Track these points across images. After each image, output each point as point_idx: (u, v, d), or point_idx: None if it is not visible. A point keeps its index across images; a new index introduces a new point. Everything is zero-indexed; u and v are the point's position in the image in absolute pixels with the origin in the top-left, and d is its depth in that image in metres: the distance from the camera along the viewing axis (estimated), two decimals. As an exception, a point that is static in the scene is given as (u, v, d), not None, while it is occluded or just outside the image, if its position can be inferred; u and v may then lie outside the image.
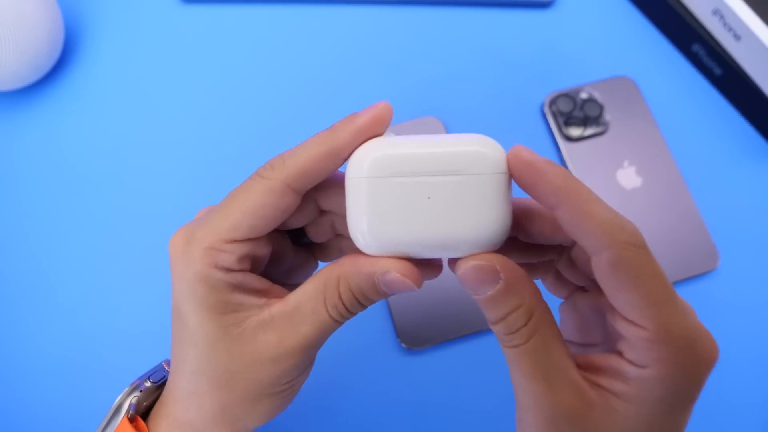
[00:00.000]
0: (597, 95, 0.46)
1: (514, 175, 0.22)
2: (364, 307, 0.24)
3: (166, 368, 0.29)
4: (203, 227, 0.24)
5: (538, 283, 0.26)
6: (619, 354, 0.22)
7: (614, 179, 0.44)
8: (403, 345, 0.40)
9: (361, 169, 0.22)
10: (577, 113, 0.46)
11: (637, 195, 0.44)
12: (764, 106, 0.45)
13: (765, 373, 0.41)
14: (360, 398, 0.40)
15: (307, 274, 0.30)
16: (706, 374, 0.21)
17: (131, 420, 0.26)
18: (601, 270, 0.21)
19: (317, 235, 0.28)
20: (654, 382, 0.21)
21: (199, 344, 0.24)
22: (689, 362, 0.21)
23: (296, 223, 0.26)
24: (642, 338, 0.21)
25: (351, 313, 0.24)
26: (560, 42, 0.49)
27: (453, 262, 0.23)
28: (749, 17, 0.43)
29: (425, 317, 0.40)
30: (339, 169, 0.25)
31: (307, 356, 0.24)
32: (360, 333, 0.40)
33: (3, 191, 0.44)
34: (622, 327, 0.22)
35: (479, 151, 0.22)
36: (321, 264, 0.30)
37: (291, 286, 0.29)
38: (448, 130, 0.46)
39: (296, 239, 0.29)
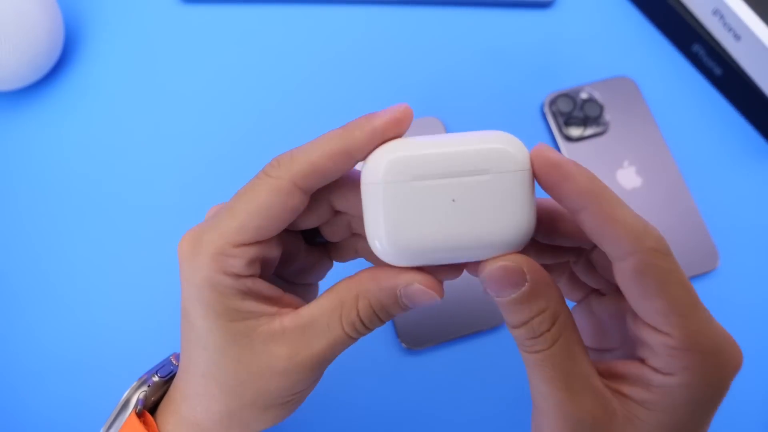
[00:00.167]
0: (597, 95, 0.46)
1: (537, 175, 0.21)
2: (382, 322, 0.24)
3: (174, 362, 0.28)
4: (210, 230, 0.23)
5: None
6: (642, 361, 0.22)
7: (614, 179, 0.44)
8: (403, 345, 0.40)
9: (377, 174, 0.21)
10: (577, 113, 0.46)
11: (637, 195, 0.44)
12: (764, 106, 0.45)
13: (765, 373, 0.41)
14: (360, 398, 0.40)
15: (321, 274, 0.29)
16: (731, 380, 0.21)
17: (139, 415, 0.26)
18: (624, 276, 0.21)
19: (332, 234, 0.26)
20: (679, 390, 0.20)
21: (208, 349, 0.23)
22: (715, 369, 0.21)
23: (309, 224, 0.25)
24: (668, 346, 0.20)
25: (368, 330, 0.24)
26: (560, 42, 0.49)
27: (473, 264, 0.23)
28: (749, 17, 0.43)
29: (425, 317, 0.40)
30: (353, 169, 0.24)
31: (318, 371, 0.24)
32: (360, 333, 0.40)
33: (3, 191, 0.44)
34: (645, 334, 0.21)
35: (503, 149, 0.21)
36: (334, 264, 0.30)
37: (304, 286, 0.29)
38: (448, 130, 0.46)
39: (310, 239, 0.28)
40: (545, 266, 0.26)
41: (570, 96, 0.46)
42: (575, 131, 0.45)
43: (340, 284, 0.24)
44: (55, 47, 0.44)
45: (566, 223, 0.24)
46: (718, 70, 0.47)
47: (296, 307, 0.24)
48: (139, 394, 0.26)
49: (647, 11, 0.50)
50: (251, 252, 0.23)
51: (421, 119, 0.45)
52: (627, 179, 0.44)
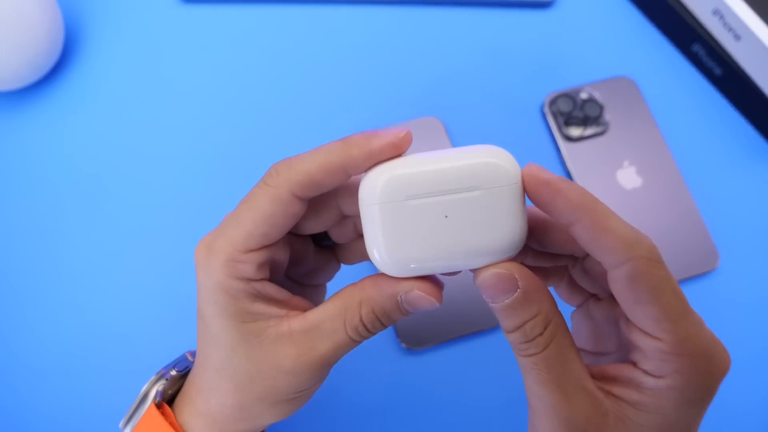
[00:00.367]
0: (597, 95, 0.46)
1: (530, 194, 0.22)
2: (385, 326, 0.25)
3: (190, 359, 0.30)
4: (220, 237, 0.24)
5: (551, 291, 0.26)
6: (634, 364, 0.23)
7: (614, 179, 0.44)
8: (404, 345, 0.40)
9: (374, 195, 0.22)
10: (577, 113, 0.46)
11: (637, 195, 0.44)
12: (764, 106, 0.45)
13: (765, 373, 0.41)
14: (360, 398, 0.40)
15: (329, 276, 0.30)
16: (719, 383, 0.22)
17: (158, 406, 0.27)
18: (618, 284, 0.22)
19: (340, 236, 0.28)
20: (670, 392, 0.21)
21: (222, 347, 0.25)
22: (704, 372, 0.21)
23: (318, 228, 0.27)
24: (659, 350, 0.21)
25: (371, 333, 0.25)
26: (560, 42, 0.49)
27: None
28: (749, 17, 0.43)
29: (425, 317, 0.40)
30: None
31: (323, 371, 0.25)
32: (360, 333, 0.40)
33: (3, 191, 0.44)
34: (638, 338, 0.22)
35: (493, 163, 0.22)
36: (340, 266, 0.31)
37: (313, 287, 0.30)
38: (448, 130, 0.46)
39: (318, 240, 0.29)
40: (544, 270, 0.27)
41: (570, 96, 0.46)
42: (575, 131, 0.45)
43: (344, 290, 0.25)
44: (55, 47, 0.44)
45: (557, 232, 0.25)
46: (718, 70, 0.47)
47: (304, 309, 0.26)
48: (158, 387, 0.28)
49: (647, 11, 0.50)
50: (260, 257, 0.24)
51: (421, 119, 0.45)
52: (627, 179, 0.44)
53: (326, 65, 0.48)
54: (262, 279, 0.25)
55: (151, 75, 0.47)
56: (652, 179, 0.44)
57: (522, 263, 0.23)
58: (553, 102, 0.46)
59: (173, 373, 0.29)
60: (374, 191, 0.22)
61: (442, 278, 0.25)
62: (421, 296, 0.23)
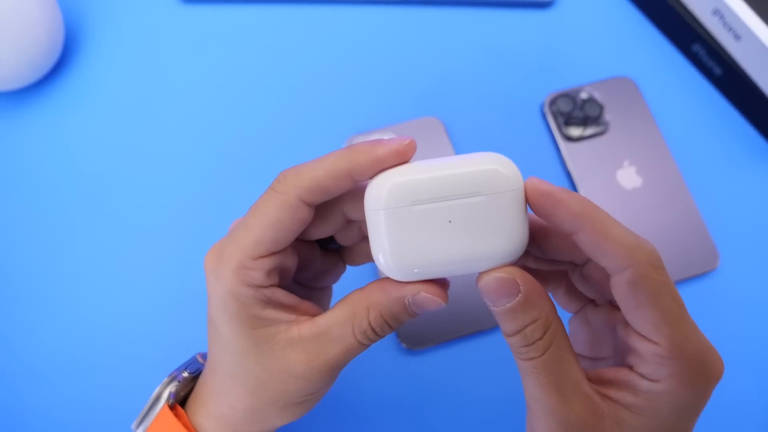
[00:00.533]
0: (597, 95, 0.46)
1: (532, 205, 0.23)
2: (393, 329, 0.26)
3: (200, 361, 0.31)
4: (230, 245, 0.25)
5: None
6: (630, 368, 0.23)
7: (614, 179, 0.44)
8: (403, 345, 0.40)
9: (379, 201, 0.23)
10: (577, 113, 0.46)
11: (637, 195, 0.44)
12: (764, 106, 0.45)
13: (765, 373, 0.41)
14: (360, 398, 0.40)
15: (335, 278, 0.31)
16: (712, 388, 0.22)
17: (171, 408, 0.28)
18: (620, 288, 0.22)
19: (345, 239, 0.28)
20: (665, 396, 0.22)
21: (233, 353, 0.25)
22: (699, 378, 0.22)
23: (325, 233, 0.27)
24: (656, 354, 0.22)
25: (379, 337, 0.25)
26: (560, 42, 0.49)
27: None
28: (749, 17, 0.43)
29: (425, 317, 0.40)
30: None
31: (333, 374, 0.26)
32: (360, 333, 0.40)
33: (3, 191, 0.44)
34: (635, 342, 0.23)
35: (495, 170, 0.22)
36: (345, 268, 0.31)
37: (319, 290, 0.31)
38: (448, 130, 0.46)
39: (324, 244, 0.30)
40: (543, 274, 0.28)
41: (570, 96, 0.46)
42: (575, 131, 0.45)
43: (352, 295, 0.25)
44: (55, 47, 0.44)
45: (557, 238, 0.25)
46: (718, 70, 0.47)
47: (313, 314, 0.26)
48: (171, 389, 0.28)
49: (647, 11, 0.50)
50: (269, 263, 0.25)
51: (421, 119, 0.45)
52: (627, 179, 0.44)
53: (326, 65, 0.48)
54: (271, 285, 0.25)
55: (151, 75, 0.47)
56: (652, 179, 0.44)
57: (523, 266, 0.23)
58: (553, 102, 0.46)
59: (185, 375, 0.29)
60: (379, 197, 0.23)
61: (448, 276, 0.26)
62: (428, 298, 0.24)
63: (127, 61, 0.48)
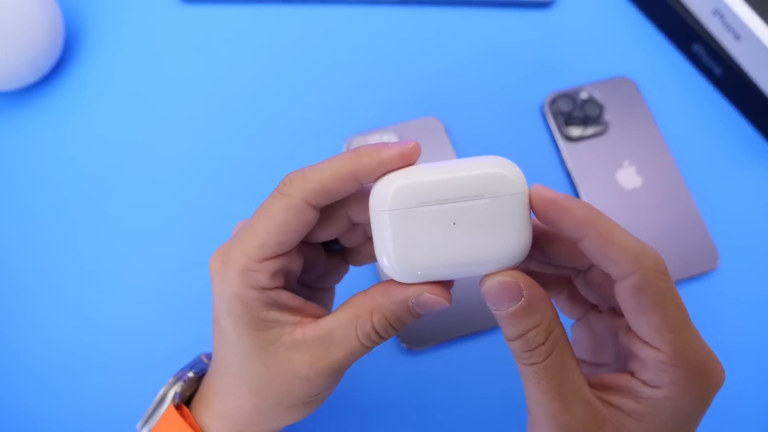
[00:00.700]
0: (597, 95, 0.46)
1: (537, 213, 0.23)
2: (397, 331, 0.26)
3: (205, 361, 0.31)
4: (236, 248, 0.25)
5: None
6: (632, 374, 0.23)
7: (614, 179, 0.44)
8: (404, 345, 0.40)
9: (384, 203, 0.23)
10: (577, 113, 0.46)
11: (637, 195, 0.44)
12: (764, 106, 0.45)
13: (765, 373, 0.41)
14: (360, 398, 0.40)
15: (339, 278, 0.31)
16: (713, 396, 0.23)
17: (177, 407, 0.28)
18: (624, 294, 0.22)
19: (349, 241, 0.29)
20: (665, 402, 0.22)
21: (238, 354, 0.26)
22: (700, 385, 0.22)
23: (329, 236, 0.27)
24: (658, 360, 0.22)
25: (383, 339, 0.26)
26: (560, 42, 0.49)
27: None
28: (749, 17, 0.43)
29: (425, 317, 0.40)
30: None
31: (336, 376, 0.26)
32: (360, 333, 0.40)
33: (3, 191, 0.44)
34: (638, 348, 0.23)
35: (500, 173, 0.23)
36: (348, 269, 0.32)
37: (322, 290, 0.31)
38: (448, 130, 0.46)
39: (328, 245, 0.30)
40: (546, 280, 0.28)
41: (570, 96, 0.46)
42: (575, 131, 0.45)
43: (355, 298, 0.26)
44: (55, 47, 0.44)
45: (562, 244, 0.25)
46: (718, 70, 0.47)
47: (317, 315, 0.27)
48: (176, 389, 0.29)
49: (647, 11, 0.50)
50: (274, 265, 0.25)
51: (421, 119, 0.45)
52: (627, 179, 0.44)
53: (326, 65, 0.48)
54: (276, 287, 0.25)
55: (151, 75, 0.47)
56: (652, 179, 0.44)
57: (526, 269, 0.23)
58: (553, 102, 0.46)
59: (190, 375, 0.29)
60: (384, 199, 0.23)
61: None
62: (432, 299, 0.24)
63: (127, 61, 0.48)
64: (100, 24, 0.48)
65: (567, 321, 0.27)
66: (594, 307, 0.28)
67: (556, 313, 0.23)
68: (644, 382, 0.23)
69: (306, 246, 0.28)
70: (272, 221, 0.24)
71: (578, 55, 0.49)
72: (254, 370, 0.25)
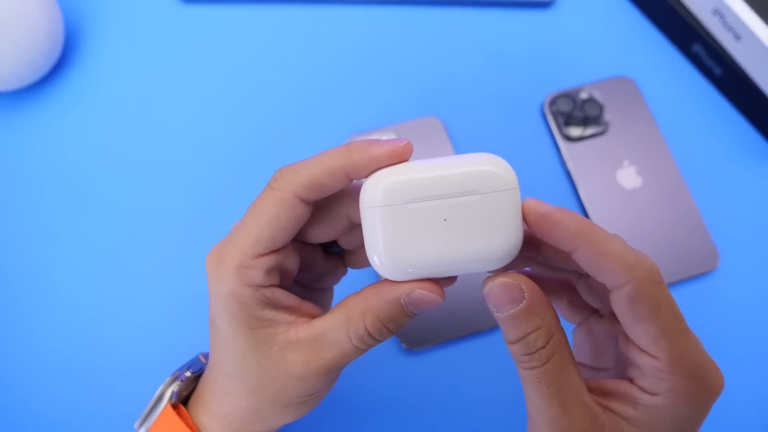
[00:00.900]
0: (597, 95, 0.46)
1: (530, 226, 0.23)
2: (392, 333, 0.26)
3: (203, 360, 0.31)
4: (229, 246, 0.25)
5: None
6: (631, 381, 0.23)
7: (614, 179, 0.44)
8: (404, 345, 0.40)
9: (375, 199, 0.23)
10: (577, 113, 0.46)
11: (637, 195, 0.44)
12: (764, 106, 0.45)
13: (765, 373, 0.41)
14: (360, 398, 0.40)
15: (336, 279, 0.31)
16: (712, 404, 0.23)
17: (174, 407, 0.28)
18: (620, 303, 0.22)
19: (348, 243, 0.29)
20: (664, 410, 0.22)
21: (233, 353, 0.26)
22: (698, 392, 0.22)
23: (327, 237, 0.27)
24: (656, 368, 0.22)
25: (377, 341, 0.26)
26: (560, 42, 0.49)
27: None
28: (749, 17, 0.43)
29: (425, 317, 0.40)
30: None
31: (331, 376, 0.26)
32: (360, 333, 0.40)
33: (3, 191, 0.44)
34: (635, 356, 0.23)
35: (491, 170, 0.22)
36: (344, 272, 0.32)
37: (320, 290, 0.31)
38: (448, 130, 0.46)
39: (326, 247, 0.30)
40: (547, 284, 0.28)
41: (570, 96, 0.46)
42: (575, 131, 0.45)
43: (348, 300, 0.26)
44: (55, 47, 0.44)
45: (561, 251, 0.25)
46: (718, 70, 0.47)
47: (312, 315, 0.27)
48: (173, 388, 0.29)
49: (647, 11, 0.50)
50: (268, 262, 0.25)
51: (421, 119, 0.45)
52: (627, 179, 0.44)
53: (326, 65, 0.48)
54: (271, 285, 0.25)
55: (151, 75, 0.47)
56: (652, 179, 0.44)
57: (528, 273, 0.23)
58: (553, 102, 0.46)
59: (188, 374, 0.29)
60: (375, 195, 0.23)
61: None
62: (424, 295, 0.24)
63: (127, 61, 0.48)
64: (100, 24, 0.48)
65: (568, 325, 0.27)
66: (595, 312, 0.28)
67: (557, 317, 0.23)
68: (643, 389, 0.23)
69: (303, 246, 0.28)
70: (264, 217, 0.24)
71: (578, 55, 0.49)
72: (249, 369, 0.26)
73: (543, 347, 0.22)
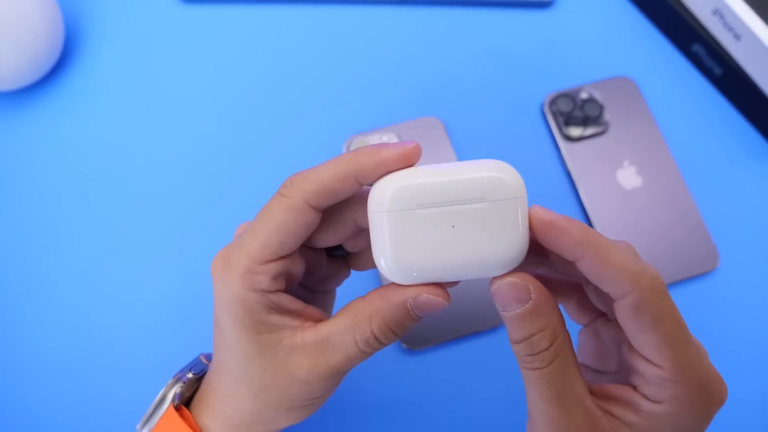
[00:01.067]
0: (597, 95, 0.46)
1: (535, 234, 0.23)
2: (398, 336, 0.26)
3: (204, 362, 0.31)
4: (237, 250, 0.25)
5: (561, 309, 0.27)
6: (634, 387, 0.24)
7: (614, 179, 0.44)
8: (404, 345, 0.40)
9: (383, 204, 0.23)
10: (577, 113, 0.46)
11: (637, 195, 0.44)
12: (764, 106, 0.45)
13: (765, 373, 0.41)
14: (361, 398, 0.40)
15: (339, 282, 0.31)
16: (714, 413, 0.23)
17: (176, 408, 0.28)
18: (623, 312, 0.22)
19: (353, 246, 0.29)
20: (666, 417, 0.22)
21: (238, 357, 0.26)
22: (701, 402, 0.22)
23: (334, 242, 0.27)
24: (659, 377, 0.22)
25: (383, 345, 0.26)
26: (560, 42, 0.49)
27: None
28: (749, 17, 0.43)
29: (426, 317, 0.40)
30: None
31: (335, 379, 0.26)
32: (360, 333, 0.40)
33: (3, 191, 0.44)
34: (639, 364, 0.23)
35: (499, 177, 0.23)
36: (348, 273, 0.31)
37: (322, 292, 0.31)
38: (448, 130, 0.46)
39: (331, 250, 0.30)
40: (555, 286, 0.28)
41: (570, 96, 0.46)
42: (575, 131, 0.45)
43: (354, 304, 0.26)
44: (55, 47, 0.44)
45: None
46: (718, 70, 0.47)
47: (317, 319, 0.27)
48: (176, 390, 0.29)
49: (647, 11, 0.50)
50: (275, 268, 0.25)
51: (421, 119, 0.45)
52: (627, 179, 0.44)
53: (326, 65, 0.48)
54: (277, 290, 0.25)
55: (150, 75, 0.47)
56: (652, 179, 0.44)
57: (537, 274, 0.23)
58: (553, 102, 0.46)
59: (190, 375, 0.29)
60: (383, 200, 0.23)
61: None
62: (430, 299, 0.24)
63: (127, 61, 0.48)
64: (100, 24, 0.48)
65: (574, 326, 0.27)
66: (602, 315, 0.28)
67: (563, 320, 0.23)
68: (645, 397, 0.23)
69: (309, 250, 0.28)
70: (273, 223, 0.24)
71: (578, 55, 0.49)
72: (254, 373, 0.26)
73: (547, 349, 0.23)
